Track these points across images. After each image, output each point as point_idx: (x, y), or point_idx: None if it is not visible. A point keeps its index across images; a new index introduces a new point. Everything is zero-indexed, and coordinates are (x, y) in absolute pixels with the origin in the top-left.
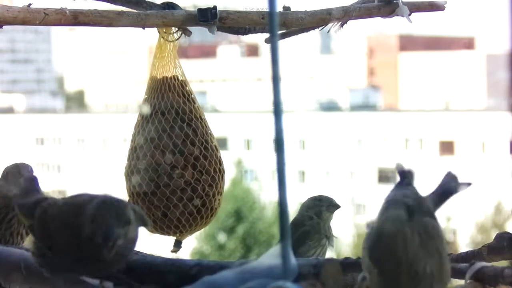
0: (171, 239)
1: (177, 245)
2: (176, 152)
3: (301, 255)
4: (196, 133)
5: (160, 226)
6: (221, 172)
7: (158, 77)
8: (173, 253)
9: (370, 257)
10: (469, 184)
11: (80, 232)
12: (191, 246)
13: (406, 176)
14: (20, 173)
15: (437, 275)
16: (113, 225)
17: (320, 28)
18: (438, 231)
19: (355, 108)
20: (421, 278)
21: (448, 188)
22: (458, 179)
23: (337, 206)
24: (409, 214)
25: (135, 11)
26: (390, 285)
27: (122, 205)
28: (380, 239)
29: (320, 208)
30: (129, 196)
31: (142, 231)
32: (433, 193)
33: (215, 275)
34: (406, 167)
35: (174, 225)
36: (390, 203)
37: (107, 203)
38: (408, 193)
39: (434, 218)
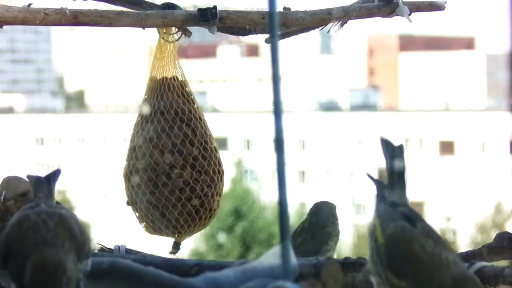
0: (171, 240)
1: (176, 247)
2: (175, 152)
3: (322, 254)
4: (195, 133)
5: (158, 227)
6: (220, 173)
7: (158, 78)
8: (172, 254)
9: (394, 275)
10: (400, 144)
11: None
12: (190, 245)
13: (381, 185)
14: (18, 183)
15: (459, 262)
16: None
17: (320, 28)
18: (437, 232)
19: (355, 108)
20: (448, 265)
21: (399, 164)
22: (392, 145)
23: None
24: (411, 223)
25: (135, 11)
26: None
27: (59, 271)
28: (398, 255)
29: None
30: (128, 196)
31: (142, 231)
32: (393, 180)
33: (216, 272)
34: (375, 176)
35: (173, 225)
36: (388, 216)
37: (40, 272)
38: (396, 202)
39: (425, 220)
